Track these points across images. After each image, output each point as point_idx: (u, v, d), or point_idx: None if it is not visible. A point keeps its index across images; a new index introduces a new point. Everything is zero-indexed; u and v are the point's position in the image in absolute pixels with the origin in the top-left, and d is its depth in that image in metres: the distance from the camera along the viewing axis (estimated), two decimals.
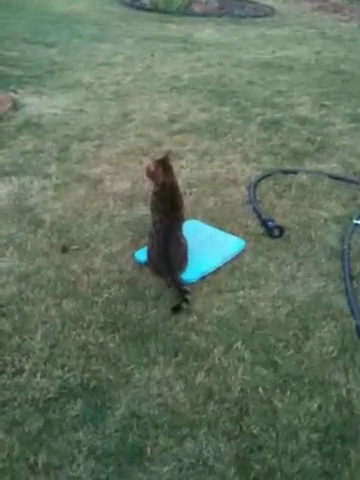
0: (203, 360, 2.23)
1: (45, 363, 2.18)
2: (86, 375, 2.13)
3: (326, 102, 5.26)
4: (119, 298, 2.56)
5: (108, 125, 4.73)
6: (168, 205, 2.64)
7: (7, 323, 2.37)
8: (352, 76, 6.18)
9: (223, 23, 9.46)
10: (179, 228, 2.68)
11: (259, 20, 9.89)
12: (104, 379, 2.12)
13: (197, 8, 10.42)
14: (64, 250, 2.92)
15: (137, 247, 2.93)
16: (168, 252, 2.58)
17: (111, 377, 2.13)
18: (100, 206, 3.37)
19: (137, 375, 2.14)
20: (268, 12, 10.46)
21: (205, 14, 10.10)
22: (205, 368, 2.18)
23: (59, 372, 2.13)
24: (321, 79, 6.07)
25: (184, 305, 2.48)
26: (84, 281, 2.67)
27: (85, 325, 2.38)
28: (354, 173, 3.85)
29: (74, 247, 2.95)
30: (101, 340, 2.30)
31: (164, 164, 2.72)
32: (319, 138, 4.38)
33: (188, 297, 2.51)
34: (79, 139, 4.41)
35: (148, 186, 2.97)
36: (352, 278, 2.72)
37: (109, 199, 3.45)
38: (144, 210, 3.29)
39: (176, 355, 2.24)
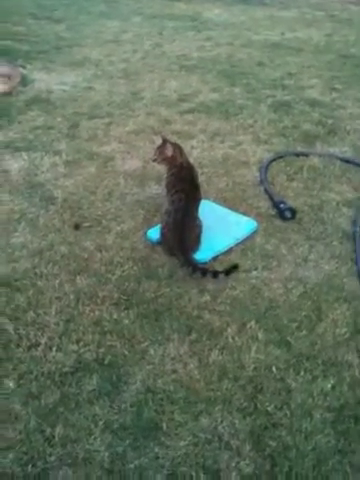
0: (217, 338, 2.24)
1: (60, 338, 2.19)
2: (101, 350, 2.14)
3: (337, 85, 5.21)
4: (132, 276, 2.56)
5: (117, 103, 4.70)
6: (188, 184, 2.64)
7: (22, 297, 2.38)
8: None
9: (232, 3, 9.35)
10: (197, 208, 2.68)
11: (267, 1, 9.77)
12: (119, 355, 2.13)
13: None
14: (76, 227, 2.92)
15: (149, 226, 2.93)
16: (183, 231, 2.58)
17: (126, 353, 2.14)
18: (111, 184, 3.37)
19: (152, 351, 2.15)
20: None
21: None
22: (219, 346, 2.19)
23: (74, 347, 2.15)
24: (331, 62, 6.01)
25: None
26: (97, 258, 2.67)
27: (99, 301, 2.39)
28: None
29: (86, 224, 2.95)
30: (115, 316, 2.31)
31: (178, 146, 2.78)
32: (330, 121, 4.35)
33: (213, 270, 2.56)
34: (89, 116, 4.39)
35: (160, 166, 2.97)
36: None
37: (120, 177, 3.44)
38: (155, 189, 3.29)
39: (190, 333, 2.25)
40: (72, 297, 2.40)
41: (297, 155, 3.77)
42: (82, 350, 2.13)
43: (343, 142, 4.03)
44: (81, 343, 2.16)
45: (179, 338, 2.22)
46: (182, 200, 2.62)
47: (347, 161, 3.69)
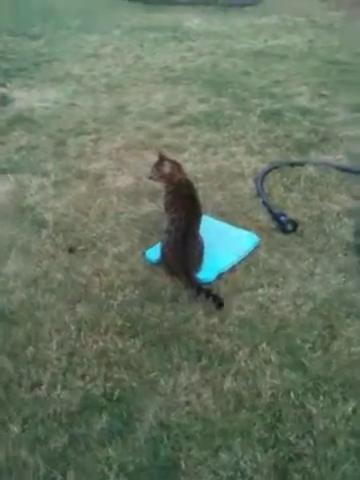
0: (229, 364, 2.12)
1: (64, 374, 2.06)
2: (109, 384, 2.01)
3: (325, 92, 5.14)
4: (135, 300, 2.45)
5: (104, 118, 4.59)
6: (188, 201, 2.55)
7: (19, 332, 2.25)
8: (349, 66, 5.99)
9: (210, 12, 9.32)
10: (198, 225, 2.58)
11: (247, 9, 9.75)
12: (128, 388, 2.01)
13: None
14: (71, 251, 2.80)
15: (147, 246, 2.82)
16: (185, 251, 2.48)
17: (135, 385, 2.02)
18: (104, 203, 3.25)
19: (162, 382, 2.04)
20: (255, 0, 10.31)
21: (191, 2, 9.93)
22: (232, 372, 2.08)
23: (80, 383, 2.02)
24: (317, 69, 5.94)
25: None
26: (96, 283, 2.55)
27: (102, 330, 2.27)
28: None
29: (81, 247, 2.83)
30: (121, 346, 2.18)
31: (176, 162, 2.71)
32: (322, 129, 4.27)
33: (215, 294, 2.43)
34: (75, 133, 4.27)
35: (153, 182, 2.87)
36: None
37: (113, 196, 3.33)
38: (150, 206, 3.18)
39: (200, 359, 2.14)
40: (73, 328, 2.28)
41: (292, 165, 3.69)
42: (88, 386, 2.01)
43: (337, 150, 3.95)
44: (87, 378, 2.04)
45: (189, 366, 2.11)
46: (182, 219, 2.53)
47: (344, 169, 3.61)
